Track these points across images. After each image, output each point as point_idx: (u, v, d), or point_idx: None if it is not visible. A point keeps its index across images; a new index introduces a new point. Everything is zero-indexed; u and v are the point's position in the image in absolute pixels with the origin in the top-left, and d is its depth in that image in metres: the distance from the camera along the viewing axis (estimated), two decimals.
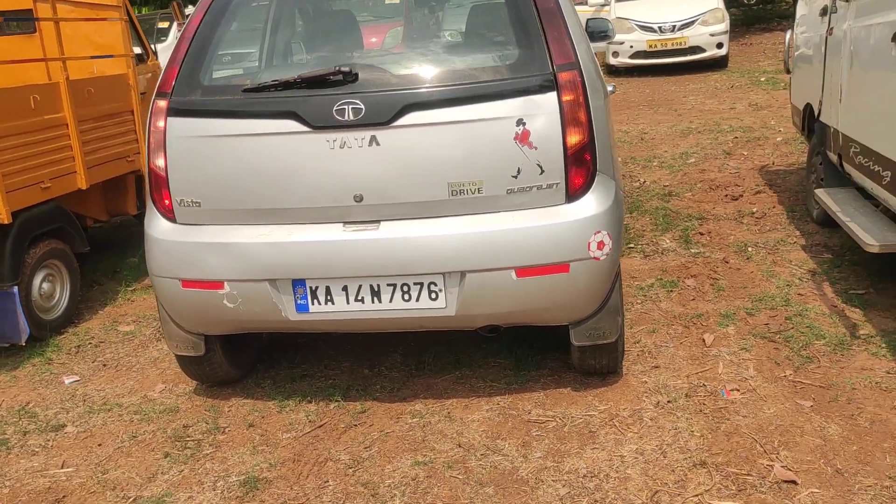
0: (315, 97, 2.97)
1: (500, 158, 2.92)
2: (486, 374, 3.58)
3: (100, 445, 3.31)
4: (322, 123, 2.94)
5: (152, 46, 6.20)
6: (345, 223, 3.02)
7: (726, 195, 6.09)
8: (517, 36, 3.03)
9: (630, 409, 3.20)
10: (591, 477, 2.81)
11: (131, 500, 2.91)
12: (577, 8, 4.23)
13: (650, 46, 12.81)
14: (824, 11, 4.76)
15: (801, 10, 5.64)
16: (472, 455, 2.99)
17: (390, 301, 3.05)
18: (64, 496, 2.97)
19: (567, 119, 2.91)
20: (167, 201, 3.17)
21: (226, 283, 3.10)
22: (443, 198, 2.96)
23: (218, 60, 3.25)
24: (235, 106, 3.06)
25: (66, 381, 3.91)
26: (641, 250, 5.04)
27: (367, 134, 2.93)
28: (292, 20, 4.04)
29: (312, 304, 3.09)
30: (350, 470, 2.97)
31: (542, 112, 2.91)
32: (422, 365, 3.71)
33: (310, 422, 3.33)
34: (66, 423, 3.52)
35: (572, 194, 2.97)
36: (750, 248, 4.90)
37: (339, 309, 3.08)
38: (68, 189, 4.63)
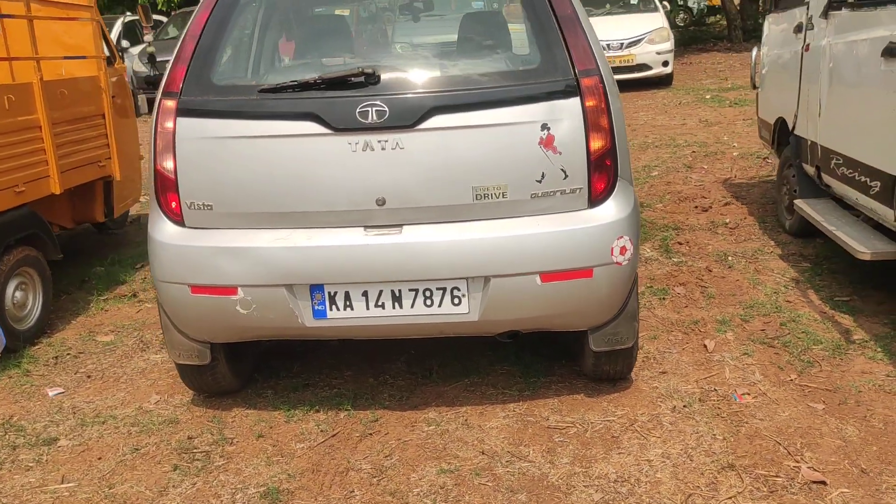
0: (337, 99, 2.91)
1: (524, 163, 2.91)
2: (495, 381, 3.55)
3: (99, 459, 3.15)
4: (344, 126, 2.88)
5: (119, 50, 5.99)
6: (366, 227, 2.96)
7: (696, 206, 6.22)
8: (538, 42, 3.03)
9: (648, 414, 3.21)
10: (622, 482, 2.80)
11: None
12: None
13: None
14: (799, 28, 4.93)
15: (769, 28, 5.83)
16: (498, 462, 2.95)
17: (412, 307, 2.99)
18: None
19: (590, 124, 2.92)
20: (174, 204, 3.05)
21: (239, 289, 2.99)
22: (467, 202, 2.93)
23: (229, 60, 3.16)
24: (251, 107, 2.96)
25: (51, 394, 3.71)
26: None
27: (390, 136, 2.88)
28: (285, 21, 3.96)
29: (331, 309, 3.01)
30: (374, 479, 2.90)
31: (566, 117, 2.91)
32: (428, 373, 3.66)
33: (321, 431, 3.23)
34: (59, 436, 3.33)
35: (594, 199, 2.98)
36: (730, 258, 5.01)
37: (358, 315, 3.01)
38: (42, 193, 4.42)
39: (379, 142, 2.87)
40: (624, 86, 13.26)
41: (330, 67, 3.15)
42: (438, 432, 3.18)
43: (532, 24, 3.05)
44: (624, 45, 12.99)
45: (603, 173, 2.96)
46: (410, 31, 4.60)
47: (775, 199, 5.93)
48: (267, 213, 2.97)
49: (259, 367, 3.75)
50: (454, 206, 2.93)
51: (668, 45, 13.03)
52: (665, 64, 13.04)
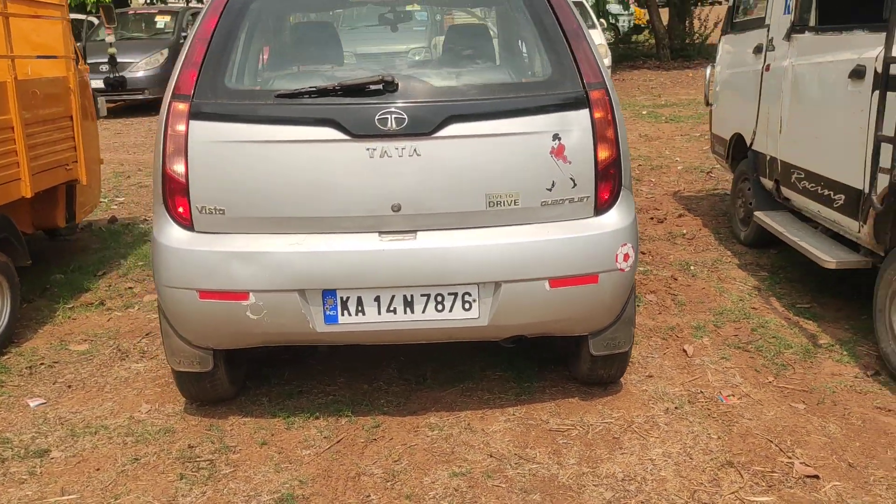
0: (356, 105, 2.95)
1: (536, 171, 3.01)
2: (490, 386, 3.62)
3: (97, 470, 3.07)
4: (363, 132, 2.91)
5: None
6: (381, 233, 3.00)
7: (652, 218, 6.46)
8: (548, 55, 3.13)
9: (643, 416, 3.34)
10: (630, 480, 2.91)
11: None
12: None
13: None
14: (759, 49, 5.20)
15: (724, 49, 6.12)
16: (507, 464, 3.03)
17: (423, 311, 3.04)
18: None
19: (598, 135, 3.04)
20: (182, 209, 3.02)
21: (251, 294, 2.98)
22: (480, 209, 3.00)
23: (241, 64, 3.15)
24: (268, 111, 2.97)
25: (32, 404, 3.59)
26: None
27: (408, 144, 2.93)
28: (292, 27, 3.96)
29: (342, 315, 3.03)
30: (388, 483, 2.93)
31: (575, 128, 3.02)
32: (422, 379, 3.71)
33: (325, 438, 3.24)
34: (49, 447, 3.23)
35: (600, 208, 3.09)
36: (692, 267, 5.23)
37: (369, 320, 3.04)
38: (12, 197, 4.28)
39: (396, 148, 2.92)
40: None
41: (346, 75, 3.18)
42: (443, 436, 3.23)
43: (541, 37, 3.15)
44: None
45: (608, 182, 3.08)
46: (391, 40, 4.67)
47: (728, 211, 6.21)
48: (281, 217, 2.98)
49: (250, 374, 3.72)
50: (467, 212, 3.00)
51: (608, 61, 13.44)
52: None
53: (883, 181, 3.50)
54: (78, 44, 5.42)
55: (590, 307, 3.14)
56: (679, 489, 2.85)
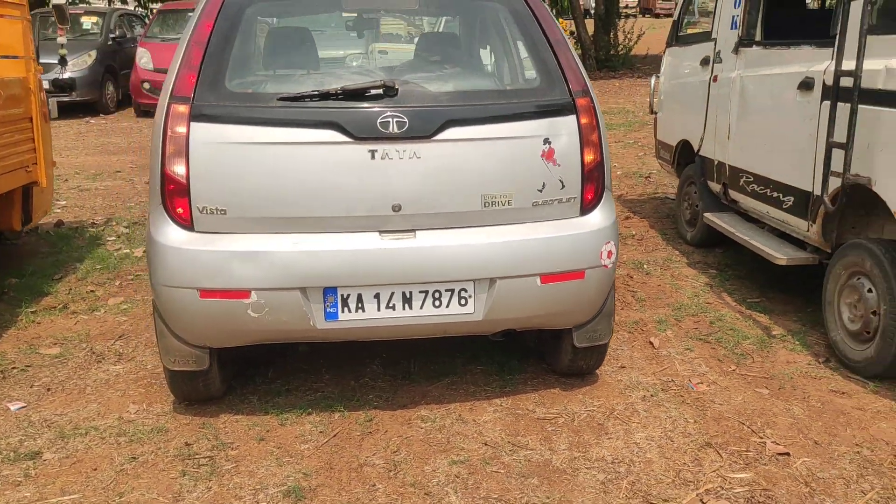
0: (359, 109, 3.05)
1: (528, 173, 3.17)
2: (474, 379, 3.76)
3: (95, 470, 3.07)
4: (365, 135, 3.02)
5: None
6: (381, 232, 3.10)
7: None
8: (536, 63, 3.31)
9: (623, 404, 3.54)
10: (619, 462, 3.10)
11: None
12: None
13: None
14: (706, 61, 5.52)
15: (669, 60, 6.43)
16: (502, 451, 3.17)
17: (421, 308, 3.16)
18: None
19: (584, 139, 3.23)
20: (181, 209, 3.05)
21: (253, 292, 3.04)
22: (476, 209, 3.14)
23: (239, 66, 3.20)
24: (271, 114, 3.04)
25: (13, 408, 3.54)
26: None
27: (409, 146, 3.05)
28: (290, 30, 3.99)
29: (342, 311, 3.12)
30: (391, 473, 3.03)
31: (564, 132, 3.20)
32: (407, 374, 3.81)
33: (320, 432, 3.31)
34: (40, 450, 3.20)
35: (585, 208, 3.28)
36: (646, 266, 5.49)
37: (369, 316, 3.14)
38: None
39: (397, 151, 3.03)
40: None
41: (347, 78, 3.27)
42: (436, 427, 3.34)
43: (529, 47, 3.32)
44: None
45: (593, 184, 3.27)
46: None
47: (673, 213, 6.53)
48: (283, 217, 3.05)
49: (235, 374, 3.75)
50: (464, 212, 3.13)
51: None
52: None
53: (835, 183, 3.81)
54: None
55: (576, 301, 3.32)
56: (665, 469, 3.05)
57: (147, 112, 13.17)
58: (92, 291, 5.05)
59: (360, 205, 3.06)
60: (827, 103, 3.88)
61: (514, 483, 2.97)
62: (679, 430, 3.33)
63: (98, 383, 3.79)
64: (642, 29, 19.99)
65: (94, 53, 13.23)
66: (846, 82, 3.70)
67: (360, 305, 3.13)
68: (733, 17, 5.13)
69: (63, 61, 5.91)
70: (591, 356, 3.63)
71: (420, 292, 3.14)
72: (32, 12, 5.27)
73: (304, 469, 3.05)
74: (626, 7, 24.97)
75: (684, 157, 6.06)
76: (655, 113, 6.69)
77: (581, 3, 20.89)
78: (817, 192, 4.01)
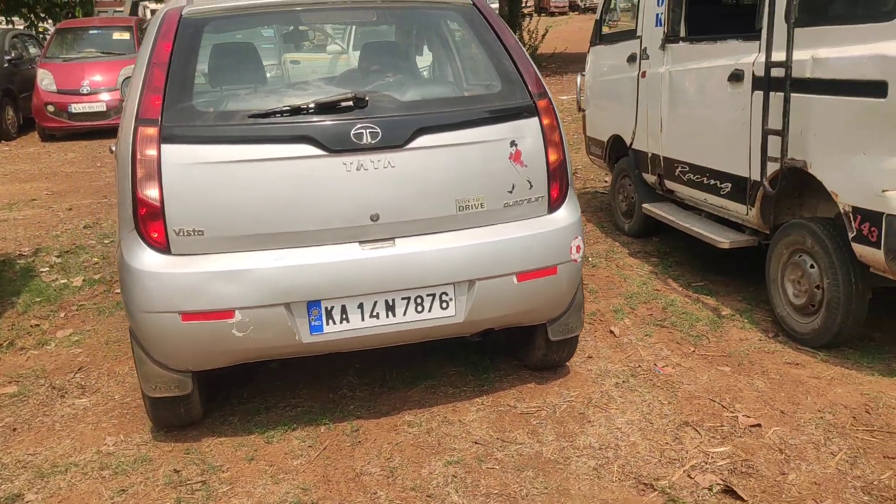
0: (331, 122, 3.07)
1: (498, 176, 3.27)
2: (450, 381, 3.83)
3: None
4: (340, 147, 3.05)
5: None
6: (361, 242, 3.13)
7: None
8: (497, 68, 3.40)
9: (598, 392, 3.68)
10: (606, 448, 3.23)
11: None
12: None
13: None
14: (633, 58, 5.75)
15: (594, 59, 6.66)
16: (493, 448, 3.25)
17: (404, 314, 3.21)
18: None
19: (547, 140, 3.35)
20: (156, 234, 3.01)
21: (237, 312, 3.03)
22: (451, 213, 3.22)
23: (205, 85, 3.18)
24: (242, 132, 3.03)
25: None
26: None
27: (382, 156, 3.10)
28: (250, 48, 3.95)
29: (327, 324, 3.14)
30: (390, 480, 3.07)
31: (528, 134, 3.31)
32: (384, 381, 3.85)
33: (309, 447, 3.32)
34: (21, 492, 3.09)
35: (553, 206, 3.40)
36: (590, 258, 5.68)
37: (354, 327, 3.17)
38: None
39: (372, 161, 3.08)
40: None
41: (316, 92, 3.29)
42: (424, 431, 3.40)
43: (487, 53, 3.42)
44: None
45: (557, 182, 3.39)
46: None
47: (608, 205, 6.76)
48: (262, 234, 3.04)
49: (209, 397, 3.70)
50: (440, 217, 3.20)
51: None
52: None
53: (773, 167, 4.05)
54: None
55: (551, 296, 3.44)
56: (650, 450, 3.20)
57: (52, 136, 12.69)
58: (37, 325, 4.86)
59: (339, 216, 3.09)
60: (759, 93, 4.13)
61: (510, 477, 3.05)
62: (655, 412, 3.49)
63: (66, 418, 3.68)
64: (547, 28, 20.44)
65: None
66: (777, 73, 3.95)
67: (344, 316, 3.15)
68: (657, 14, 5.37)
69: None
70: (563, 349, 3.75)
71: (402, 299, 3.19)
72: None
73: (301, 484, 3.06)
74: (525, 6, 25.50)
75: (616, 151, 6.28)
76: (583, 110, 6.90)
77: None
78: (755, 177, 4.26)
